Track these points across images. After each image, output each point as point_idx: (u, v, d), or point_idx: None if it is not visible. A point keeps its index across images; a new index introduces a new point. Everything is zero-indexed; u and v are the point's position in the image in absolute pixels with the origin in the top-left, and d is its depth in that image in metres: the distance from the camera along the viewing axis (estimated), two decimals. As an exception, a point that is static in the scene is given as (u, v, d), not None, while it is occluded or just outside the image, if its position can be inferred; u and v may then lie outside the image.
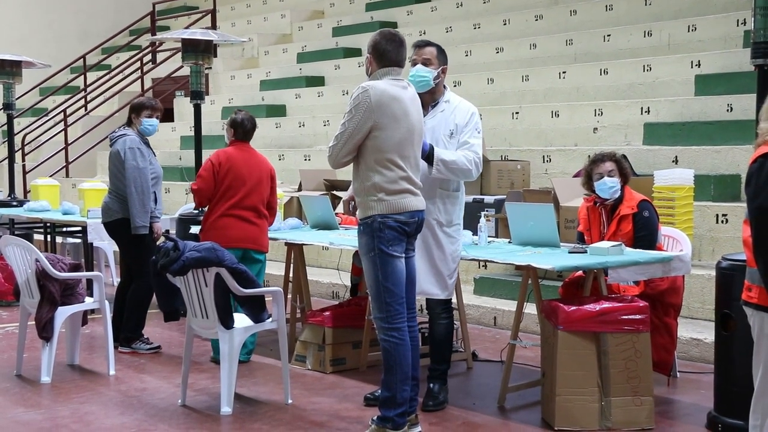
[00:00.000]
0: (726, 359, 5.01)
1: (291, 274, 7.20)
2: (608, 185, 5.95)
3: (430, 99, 5.43)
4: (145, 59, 16.28)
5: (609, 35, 11.00)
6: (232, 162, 6.47)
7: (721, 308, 5.01)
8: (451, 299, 5.63)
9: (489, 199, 8.54)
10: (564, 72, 10.70)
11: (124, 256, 7.30)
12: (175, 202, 11.67)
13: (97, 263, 9.46)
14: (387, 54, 4.85)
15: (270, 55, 16.18)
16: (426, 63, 5.37)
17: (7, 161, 11.39)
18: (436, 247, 5.42)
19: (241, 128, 6.60)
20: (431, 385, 5.58)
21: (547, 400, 5.23)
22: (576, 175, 8.38)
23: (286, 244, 7.04)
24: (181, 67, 12.65)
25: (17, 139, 13.14)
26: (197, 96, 8.92)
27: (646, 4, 11.31)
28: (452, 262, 5.48)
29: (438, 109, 5.47)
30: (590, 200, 6.18)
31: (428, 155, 5.25)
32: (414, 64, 5.40)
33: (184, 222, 7.88)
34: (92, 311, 7.15)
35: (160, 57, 16.07)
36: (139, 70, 16.11)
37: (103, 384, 6.21)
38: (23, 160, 14.81)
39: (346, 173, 9.05)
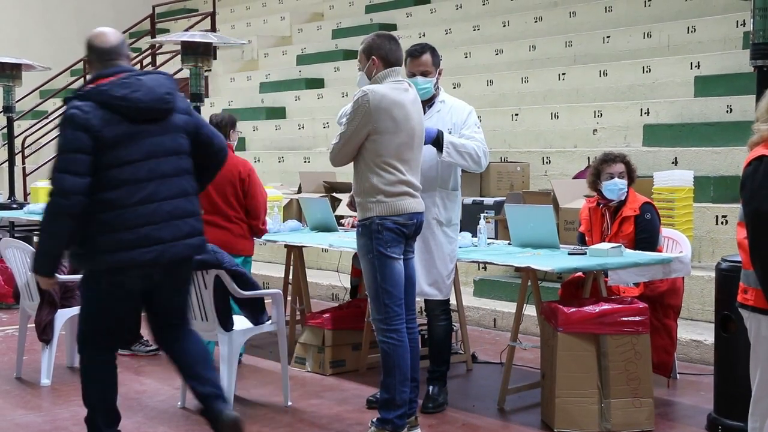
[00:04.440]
0: (726, 361, 5.00)
1: (290, 276, 7.20)
2: (618, 186, 5.94)
3: (426, 101, 5.43)
4: (145, 62, 16.27)
5: (608, 37, 11.00)
6: None
7: (721, 310, 5.00)
8: (449, 301, 5.63)
9: (488, 200, 8.54)
10: (563, 73, 10.69)
11: None
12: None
13: (96, 266, 9.43)
14: (392, 53, 4.86)
15: (269, 58, 16.17)
16: (425, 74, 5.38)
17: (7, 164, 11.38)
18: (436, 247, 5.41)
19: (216, 129, 6.54)
20: (431, 387, 5.57)
21: (546, 401, 5.22)
22: (576, 177, 8.38)
23: (286, 246, 7.04)
24: (181, 69, 12.58)
25: (17, 142, 13.12)
26: (197, 98, 8.89)
27: (645, 6, 11.30)
28: (450, 262, 5.48)
29: (434, 109, 5.48)
30: (593, 201, 6.17)
31: (437, 140, 5.25)
32: (412, 76, 5.37)
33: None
34: (92, 314, 7.13)
35: (159, 59, 16.06)
36: (139, 73, 16.08)
37: (103, 386, 6.20)
38: (23, 163, 14.79)
39: (346, 176, 9.04)
